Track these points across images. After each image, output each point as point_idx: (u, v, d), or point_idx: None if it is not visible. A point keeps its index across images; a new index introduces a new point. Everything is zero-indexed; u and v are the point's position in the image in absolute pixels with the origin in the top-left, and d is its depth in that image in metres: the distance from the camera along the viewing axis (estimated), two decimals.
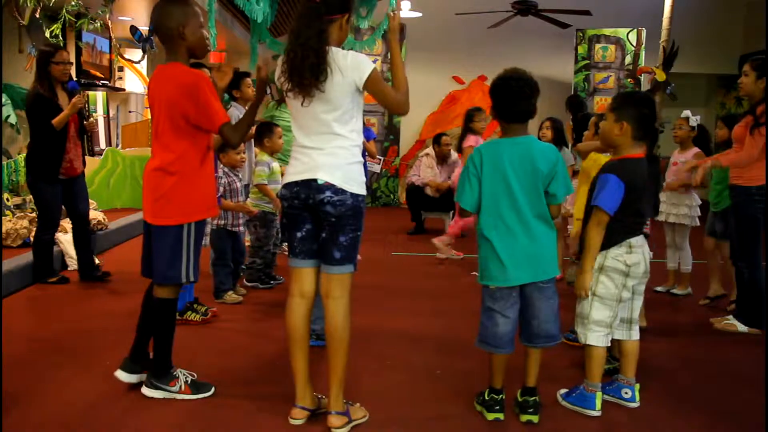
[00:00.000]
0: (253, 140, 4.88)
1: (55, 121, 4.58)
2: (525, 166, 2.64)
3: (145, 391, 2.91)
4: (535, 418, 2.75)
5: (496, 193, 2.66)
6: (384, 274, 5.48)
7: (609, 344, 2.90)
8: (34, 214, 5.79)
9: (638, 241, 2.85)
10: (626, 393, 2.96)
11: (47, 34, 7.31)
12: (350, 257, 2.61)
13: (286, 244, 5.50)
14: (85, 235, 5.00)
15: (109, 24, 7.50)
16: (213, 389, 2.96)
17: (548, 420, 2.80)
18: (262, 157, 4.73)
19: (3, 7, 6.62)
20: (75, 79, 5.20)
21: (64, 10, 7.06)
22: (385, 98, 2.63)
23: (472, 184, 2.70)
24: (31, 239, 5.30)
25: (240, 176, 4.54)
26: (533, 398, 2.77)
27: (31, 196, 6.52)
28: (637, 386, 2.98)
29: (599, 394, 2.87)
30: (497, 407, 2.76)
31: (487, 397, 2.80)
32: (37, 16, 6.98)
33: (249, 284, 4.85)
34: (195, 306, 4.01)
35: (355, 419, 2.67)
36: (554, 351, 3.52)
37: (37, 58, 4.74)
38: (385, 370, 3.33)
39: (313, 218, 2.62)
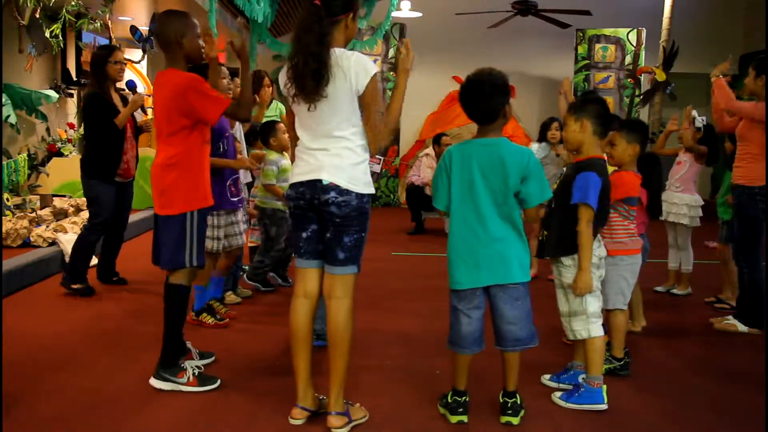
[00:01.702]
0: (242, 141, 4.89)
1: (117, 119, 4.55)
2: (493, 168, 2.63)
3: (153, 382, 2.98)
4: (514, 420, 2.74)
5: (462, 194, 2.67)
6: (384, 274, 5.48)
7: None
8: (34, 214, 5.79)
9: (599, 235, 3.00)
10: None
11: (47, 34, 7.32)
12: (354, 258, 2.61)
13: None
14: (117, 240, 4.92)
15: (109, 24, 7.50)
16: (219, 382, 3.02)
17: (545, 419, 2.81)
18: (270, 155, 4.71)
19: (3, 7, 6.62)
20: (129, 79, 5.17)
21: (64, 10, 7.07)
22: (370, 116, 2.57)
23: (443, 181, 2.72)
24: (32, 239, 5.30)
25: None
26: (512, 400, 2.76)
27: (31, 197, 6.54)
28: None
29: (604, 387, 2.89)
30: (460, 410, 2.75)
31: (450, 400, 2.79)
32: (37, 16, 6.99)
33: (249, 283, 4.78)
34: (215, 306, 4.03)
35: (355, 419, 2.68)
36: (558, 350, 3.52)
37: (92, 58, 4.68)
38: (385, 370, 3.33)
39: (319, 218, 2.62)
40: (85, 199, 4.96)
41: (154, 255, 3.06)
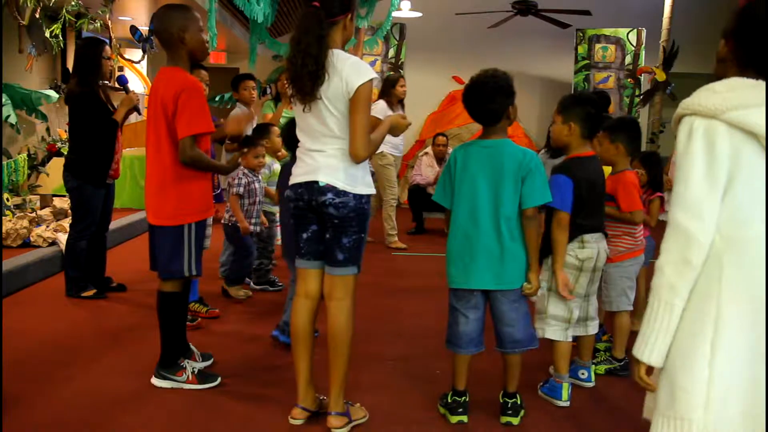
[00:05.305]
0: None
1: (116, 116, 4.34)
2: (493, 170, 2.63)
3: (154, 381, 3.00)
4: (514, 420, 2.74)
5: (461, 196, 2.68)
6: (384, 274, 5.48)
7: (569, 339, 2.94)
8: (34, 214, 5.79)
9: (593, 237, 2.91)
10: (583, 374, 3.12)
11: (47, 34, 7.32)
12: (354, 259, 2.61)
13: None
14: (101, 243, 4.70)
15: (109, 24, 7.50)
16: (219, 379, 3.04)
17: (545, 419, 2.81)
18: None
19: (3, 7, 6.62)
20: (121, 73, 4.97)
21: (64, 10, 7.07)
22: (354, 124, 2.46)
23: (445, 180, 2.75)
24: (32, 239, 5.29)
25: (259, 177, 4.54)
26: (512, 400, 2.77)
27: (31, 197, 6.54)
28: (593, 368, 3.17)
29: (566, 384, 2.91)
30: (460, 410, 2.76)
31: (450, 400, 2.80)
32: (37, 16, 6.99)
33: (258, 287, 4.78)
34: (197, 306, 4.02)
35: (355, 419, 2.68)
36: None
37: (82, 53, 4.39)
38: (385, 370, 3.33)
39: (319, 219, 2.62)
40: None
41: (151, 262, 3.01)
